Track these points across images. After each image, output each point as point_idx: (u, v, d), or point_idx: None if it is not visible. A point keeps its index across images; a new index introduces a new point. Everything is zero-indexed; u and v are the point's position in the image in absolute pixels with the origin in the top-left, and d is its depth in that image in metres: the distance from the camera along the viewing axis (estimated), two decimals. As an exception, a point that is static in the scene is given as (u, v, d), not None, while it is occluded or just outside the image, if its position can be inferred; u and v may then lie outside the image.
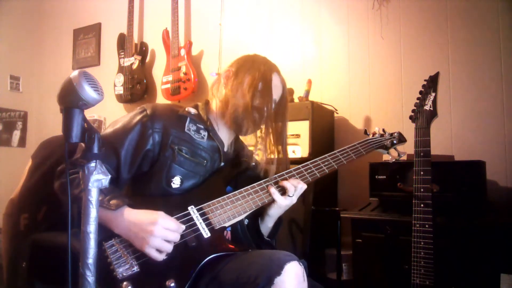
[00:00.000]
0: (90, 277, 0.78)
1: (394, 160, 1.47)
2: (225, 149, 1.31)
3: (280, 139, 1.30)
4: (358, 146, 1.37)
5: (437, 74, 1.48)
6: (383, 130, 1.48)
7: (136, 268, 1.02)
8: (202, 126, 1.26)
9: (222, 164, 1.29)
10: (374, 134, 1.48)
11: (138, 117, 1.18)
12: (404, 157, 1.49)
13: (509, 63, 1.98)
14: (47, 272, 1.08)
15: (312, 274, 1.14)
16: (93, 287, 0.79)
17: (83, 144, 0.94)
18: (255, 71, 1.26)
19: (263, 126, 1.29)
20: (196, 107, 1.32)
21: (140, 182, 1.19)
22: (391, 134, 1.47)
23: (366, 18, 2.39)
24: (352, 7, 2.46)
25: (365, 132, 1.51)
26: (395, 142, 1.46)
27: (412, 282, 1.38)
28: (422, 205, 1.39)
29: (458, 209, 1.58)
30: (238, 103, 1.23)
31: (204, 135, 1.25)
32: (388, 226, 1.60)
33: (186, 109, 1.27)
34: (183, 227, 1.07)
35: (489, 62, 2.03)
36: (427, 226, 1.36)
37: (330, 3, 2.53)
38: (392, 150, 1.48)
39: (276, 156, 1.29)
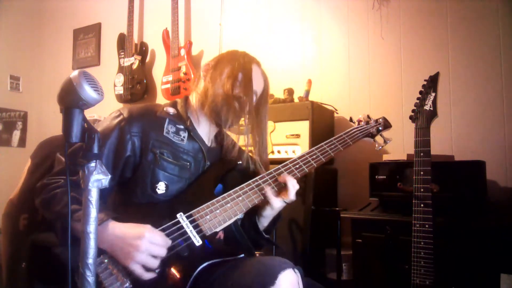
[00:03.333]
0: (90, 277, 0.78)
1: (380, 147, 1.43)
2: (208, 145, 1.28)
3: (259, 130, 1.28)
4: (345, 136, 1.35)
5: (437, 74, 1.47)
6: (368, 117, 1.46)
7: (128, 285, 0.98)
8: (181, 126, 1.22)
9: (208, 163, 1.25)
10: (359, 121, 1.45)
11: (115, 122, 1.14)
12: (390, 142, 1.46)
13: (509, 63, 1.98)
14: (46, 272, 1.07)
15: (312, 274, 1.14)
16: (93, 287, 0.79)
17: (60, 157, 0.94)
18: (235, 62, 1.25)
19: (245, 118, 1.25)
20: (174, 105, 1.28)
21: (126, 189, 1.16)
22: (376, 121, 1.44)
23: (366, 18, 2.39)
24: (352, 7, 2.46)
25: (350, 120, 1.48)
26: (380, 128, 1.43)
27: (412, 282, 1.38)
28: (422, 205, 1.38)
29: (458, 209, 1.57)
30: (218, 92, 1.21)
31: (184, 136, 1.21)
32: (388, 226, 1.59)
33: (165, 109, 1.24)
34: (170, 241, 1.03)
35: (489, 62, 2.03)
36: (427, 226, 1.36)
37: (330, 3, 2.53)
38: (378, 137, 1.45)
39: (257, 147, 1.27)
